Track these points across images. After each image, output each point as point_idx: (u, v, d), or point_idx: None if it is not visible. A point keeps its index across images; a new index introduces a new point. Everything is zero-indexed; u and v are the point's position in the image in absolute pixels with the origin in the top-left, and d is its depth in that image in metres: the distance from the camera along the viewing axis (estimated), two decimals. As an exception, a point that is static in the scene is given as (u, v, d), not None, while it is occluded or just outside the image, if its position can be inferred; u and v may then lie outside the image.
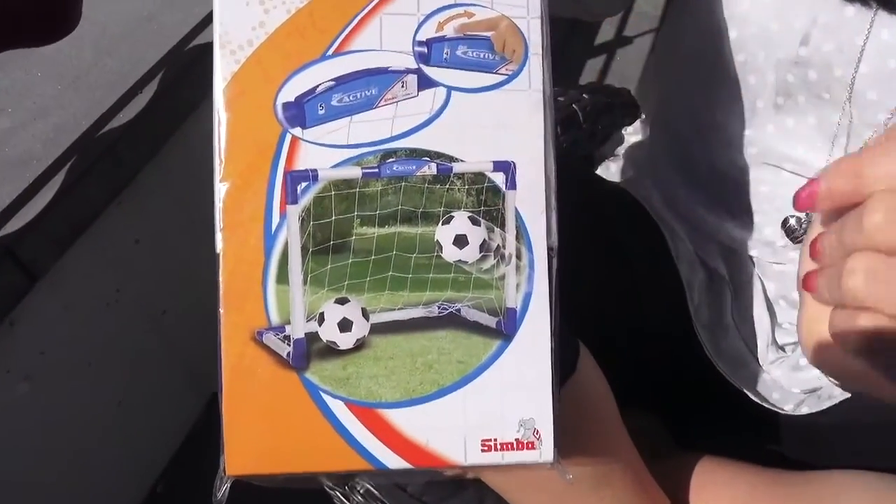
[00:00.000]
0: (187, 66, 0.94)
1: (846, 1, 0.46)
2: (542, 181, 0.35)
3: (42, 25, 0.67)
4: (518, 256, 0.35)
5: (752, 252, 0.56)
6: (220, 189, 0.34)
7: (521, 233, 0.35)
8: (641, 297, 0.57)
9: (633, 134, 0.69)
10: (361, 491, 0.44)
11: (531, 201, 0.35)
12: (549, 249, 0.35)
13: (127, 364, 0.99)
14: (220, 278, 0.34)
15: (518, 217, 0.35)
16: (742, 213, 0.56)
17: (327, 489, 0.44)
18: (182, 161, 0.93)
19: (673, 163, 0.60)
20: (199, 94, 0.93)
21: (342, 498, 0.44)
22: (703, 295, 0.57)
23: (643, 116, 0.68)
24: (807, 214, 0.53)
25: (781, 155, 0.53)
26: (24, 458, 0.85)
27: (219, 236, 0.34)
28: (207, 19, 0.98)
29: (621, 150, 0.68)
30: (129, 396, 1.01)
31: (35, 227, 0.80)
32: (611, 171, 0.67)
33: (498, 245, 0.35)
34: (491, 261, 0.35)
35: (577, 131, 0.66)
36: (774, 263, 0.55)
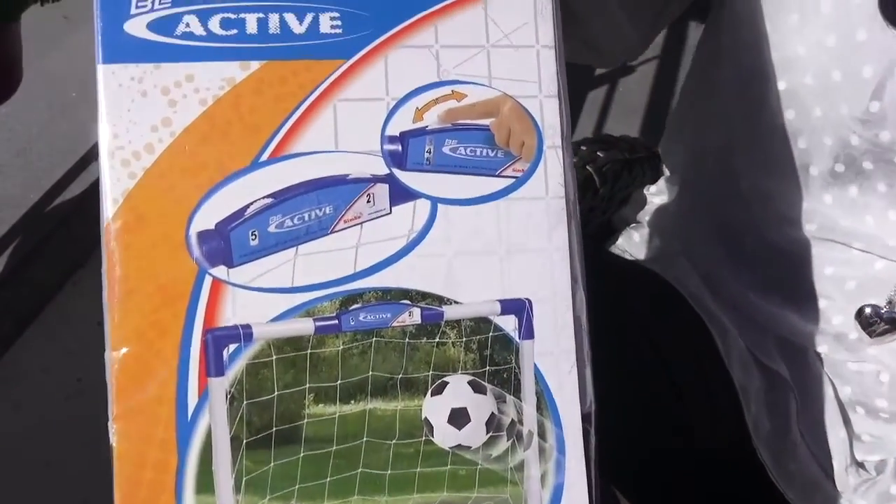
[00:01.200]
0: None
1: None
2: (569, 323, 0.25)
3: None
4: (542, 435, 0.25)
5: (820, 348, 0.46)
6: (112, 359, 0.24)
7: (545, 400, 0.25)
8: (686, 409, 0.47)
9: (656, 194, 0.59)
10: None
11: (557, 354, 0.25)
12: (585, 420, 0.25)
13: (93, 458, 0.89)
14: (115, 487, 0.24)
15: (539, 378, 0.25)
16: (804, 299, 0.45)
17: None
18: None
19: (711, 233, 0.50)
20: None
21: None
22: (761, 403, 0.46)
23: (667, 174, 0.58)
24: (889, 303, 0.43)
25: (846, 231, 0.43)
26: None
27: (112, 428, 0.24)
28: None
29: (645, 215, 0.58)
30: (97, 493, 0.90)
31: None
32: (633, 240, 0.57)
33: (513, 420, 0.25)
34: (504, 443, 0.25)
35: (592, 196, 0.56)
36: (849, 362, 0.45)
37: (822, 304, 0.46)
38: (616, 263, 0.54)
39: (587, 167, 0.55)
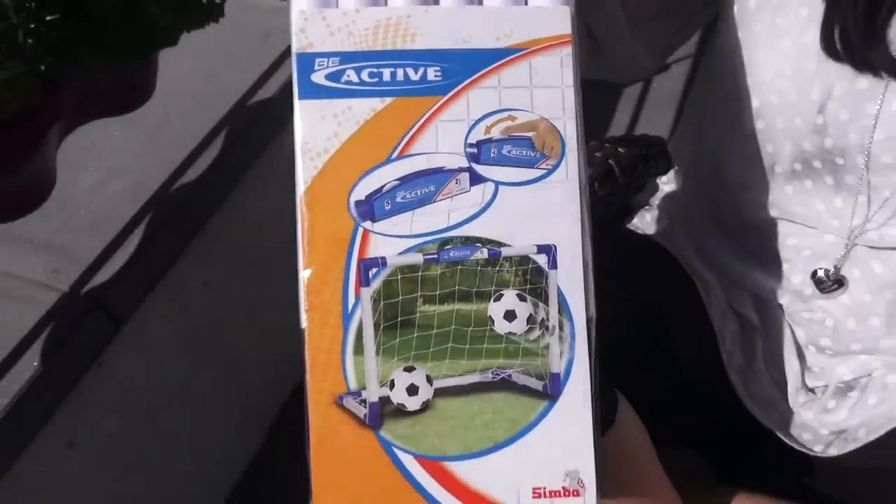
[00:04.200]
0: (247, 124, 1.01)
1: (859, 73, 0.49)
2: (580, 262, 0.40)
3: (122, 101, 0.74)
4: (561, 328, 0.40)
5: (782, 300, 0.59)
6: (304, 275, 0.40)
7: (563, 307, 0.40)
8: (676, 345, 0.61)
9: (667, 183, 0.72)
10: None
11: (571, 279, 0.40)
12: (588, 321, 0.40)
13: (198, 399, 1.06)
14: (306, 352, 0.40)
15: (560, 293, 0.40)
16: (771, 263, 0.59)
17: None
18: (244, 211, 1.00)
19: (704, 214, 0.64)
20: (258, 149, 1.01)
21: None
22: (734, 342, 0.60)
23: (676, 168, 0.72)
24: (835, 268, 0.57)
25: (803, 214, 0.56)
26: (108, 486, 0.91)
27: (303, 316, 0.40)
28: (264, 77, 1.05)
29: (656, 199, 0.72)
30: (200, 429, 1.08)
31: (119, 279, 0.87)
32: (646, 220, 0.71)
33: (543, 318, 0.40)
34: (537, 332, 0.40)
35: (613, 184, 0.71)
36: (804, 311, 0.58)
37: (785, 267, 0.59)
38: (631, 237, 0.68)
39: (609, 161, 0.70)
